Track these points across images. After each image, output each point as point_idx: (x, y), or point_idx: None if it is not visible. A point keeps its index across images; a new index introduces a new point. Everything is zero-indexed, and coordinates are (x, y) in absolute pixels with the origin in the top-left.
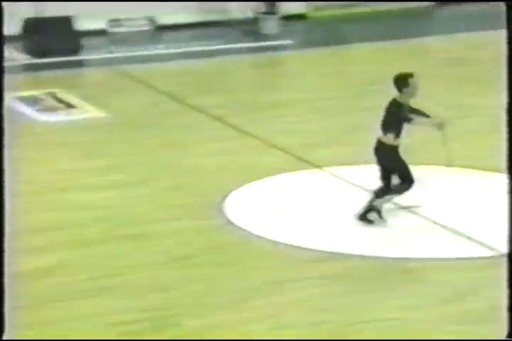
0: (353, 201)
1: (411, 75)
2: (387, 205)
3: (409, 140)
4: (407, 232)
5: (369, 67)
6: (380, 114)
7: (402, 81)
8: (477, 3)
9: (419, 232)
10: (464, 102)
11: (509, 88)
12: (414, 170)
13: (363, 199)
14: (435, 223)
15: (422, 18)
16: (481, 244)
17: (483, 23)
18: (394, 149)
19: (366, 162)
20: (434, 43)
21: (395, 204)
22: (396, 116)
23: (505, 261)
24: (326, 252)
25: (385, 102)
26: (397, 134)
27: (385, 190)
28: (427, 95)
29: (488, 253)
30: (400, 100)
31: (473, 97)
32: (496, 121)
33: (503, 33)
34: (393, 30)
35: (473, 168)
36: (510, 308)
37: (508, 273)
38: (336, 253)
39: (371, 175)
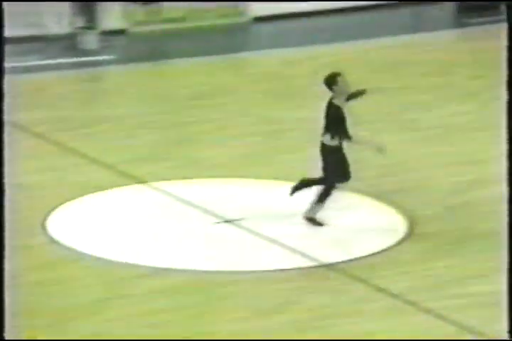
0: (178, 216)
1: (338, 74)
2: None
3: (231, 154)
4: (231, 245)
5: (190, 81)
6: (204, 128)
7: (330, 80)
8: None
9: (243, 245)
10: (284, 116)
11: (509, 88)
12: (239, 184)
13: (189, 214)
14: (259, 235)
15: (240, 34)
16: (304, 255)
17: (299, 39)
18: (330, 149)
19: (192, 176)
20: (252, 58)
21: (219, 217)
22: (334, 119)
23: (326, 271)
24: (152, 268)
25: (205, 116)
26: (333, 135)
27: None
28: (246, 109)
29: (310, 263)
30: (335, 102)
31: (292, 111)
32: (314, 135)
33: (318, 49)
34: (213, 45)
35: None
36: (510, 308)
37: (508, 274)
38: (162, 268)
39: (198, 190)
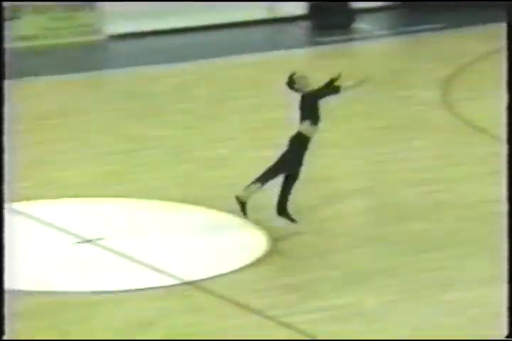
0: (37, 237)
1: (293, 73)
2: None
3: (90, 173)
4: (92, 265)
5: (45, 100)
6: (60, 147)
7: (289, 81)
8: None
9: (104, 264)
10: (146, 134)
11: (509, 88)
12: (98, 203)
13: (49, 235)
14: (120, 254)
15: (96, 52)
16: (166, 273)
17: (156, 57)
18: (302, 139)
19: (50, 196)
20: (109, 76)
21: (79, 237)
22: (313, 102)
23: (189, 289)
24: (10, 290)
25: (61, 135)
26: (314, 121)
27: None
28: (104, 128)
29: (172, 281)
30: (308, 92)
31: (151, 129)
32: (178, 152)
33: (176, 67)
34: (68, 63)
35: (161, 198)
36: (510, 308)
37: (509, 275)
38: (22, 290)
39: (56, 210)
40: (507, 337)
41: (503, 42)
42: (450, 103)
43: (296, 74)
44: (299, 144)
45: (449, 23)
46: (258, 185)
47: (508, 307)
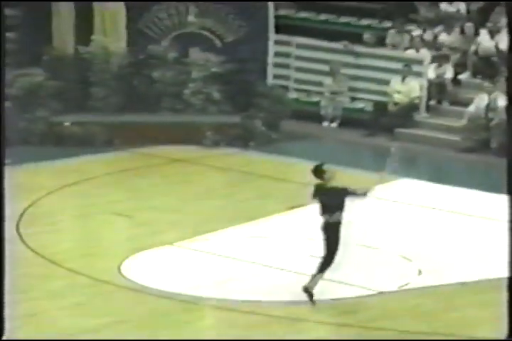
0: None
1: (321, 163)
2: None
3: None
4: None
5: None
6: None
7: (316, 171)
8: None
9: None
10: None
11: (509, 88)
12: None
13: None
14: None
15: None
16: None
17: None
18: (335, 226)
19: None
20: None
21: None
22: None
23: None
24: None
25: None
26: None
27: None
28: None
29: None
30: (328, 185)
31: None
32: None
33: None
34: None
35: None
36: (510, 308)
37: (508, 275)
38: None
39: None
40: (507, 337)
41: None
42: (25, 237)
43: (324, 165)
44: (334, 230)
45: (18, 159)
46: (320, 274)
47: (508, 308)
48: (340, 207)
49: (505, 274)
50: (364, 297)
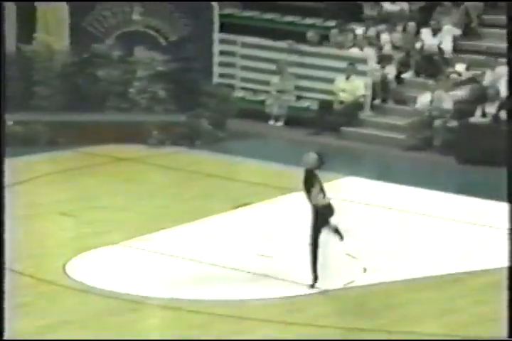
0: None
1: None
2: None
3: None
4: None
5: None
6: None
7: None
8: None
9: None
10: None
11: (509, 88)
12: None
13: None
14: None
15: None
16: None
17: None
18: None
19: None
20: None
21: None
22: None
23: None
24: None
25: None
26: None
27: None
28: None
29: None
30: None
31: None
32: None
33: None
34: None
35: None
36: (510, 308)
37: (508, 274)
38: None
39: None
40: (507, 337)
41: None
42: None
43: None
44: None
45: None
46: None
47: (508, 308)
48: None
49: (448, 271)
50: (310, 295)
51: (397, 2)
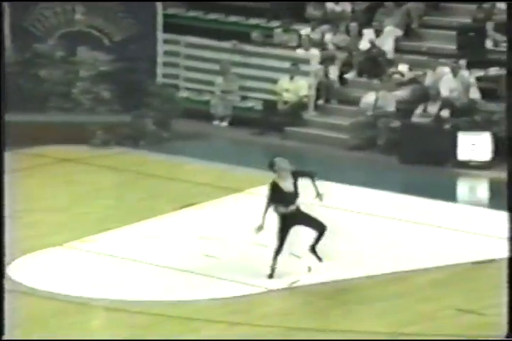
0: None
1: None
2: None
3: None
4: None
5: None
6: None
7: (270, 164)
8: None
9: None
10: None
11: (509, 90)
12: None
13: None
14: None
15: None
16: None
17: None
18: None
19: None
20: None
21: None
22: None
23: None
24: None
25: None
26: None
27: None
28: None
29: None
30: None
31: None
32: None
33: None
34: None
35: None
36: (510, 308)
37: (508, 274)
38: None
39: None
40: (507, 337)
41: None
42: None
43: (277, 158)
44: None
45: None
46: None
47: (508, 308)
48: (297, 194)
49: (391, 270)
50: (255, 295)
51: (340, 3)
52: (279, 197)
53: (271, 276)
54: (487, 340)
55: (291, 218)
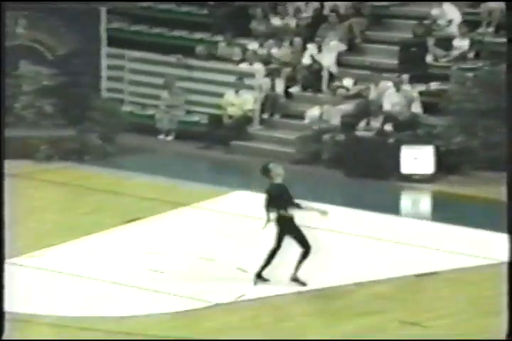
0: None
1: (267, 163)
2: None
3: None
4: None
5: None
6: None
7: (264, 170)
8: None
9: None
10: None
11: (509, 91)
12: None
13: None
14: None
15: None
16: None
17: None
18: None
19: None
20: None
21: None
22: (282, 198)
23: None
24: None
25: None
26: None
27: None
28: None
29: None
30: (281, 184)
31: None
32: None
33: None
34: None
35: None
36: (510, 308)
37: (509, 274)
38: None
39: None
40: (507, 337)
41: None
42: None
43: (271, 164)
44: (289, 224)
45: None
46: (302, 262)
47: (508, 307)
48: (289, 202)
49: (336, 283)
50: (201, 309)
51: (284, 18)
52: (275, 201)
53: (259, 276)
54: (487, 340)
55: (289, 222)
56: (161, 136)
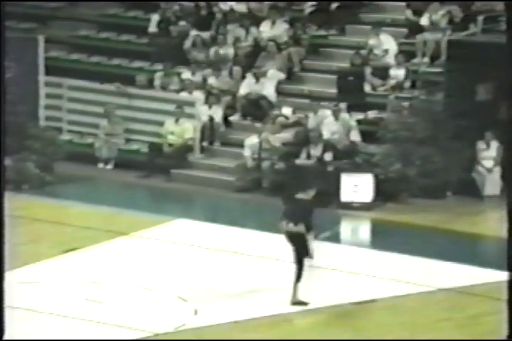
0: None
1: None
2: None
3: None
4: None
5: None
6: None
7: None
8: None
9: None
10: None
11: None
12: None
13: None
14: None
15: None
16: None
17: None
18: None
19: None
20: None
21: None
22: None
23: None
24: None
25: None
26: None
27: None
28: None
29: None
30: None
31: None
32: None
33: None
34: None
35: None
36: (510, 308)
37: (509, 274)
38: None
39: None
40: (507, 337)
41: None
42: None
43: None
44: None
45: None
46: (298, 283)
47: (508, 308)
48: (303, 219)
49: (278, 311)
50: (141, 339)
51: (223, 47)
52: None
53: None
54: (487, 340)
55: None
56: (101, 165)
